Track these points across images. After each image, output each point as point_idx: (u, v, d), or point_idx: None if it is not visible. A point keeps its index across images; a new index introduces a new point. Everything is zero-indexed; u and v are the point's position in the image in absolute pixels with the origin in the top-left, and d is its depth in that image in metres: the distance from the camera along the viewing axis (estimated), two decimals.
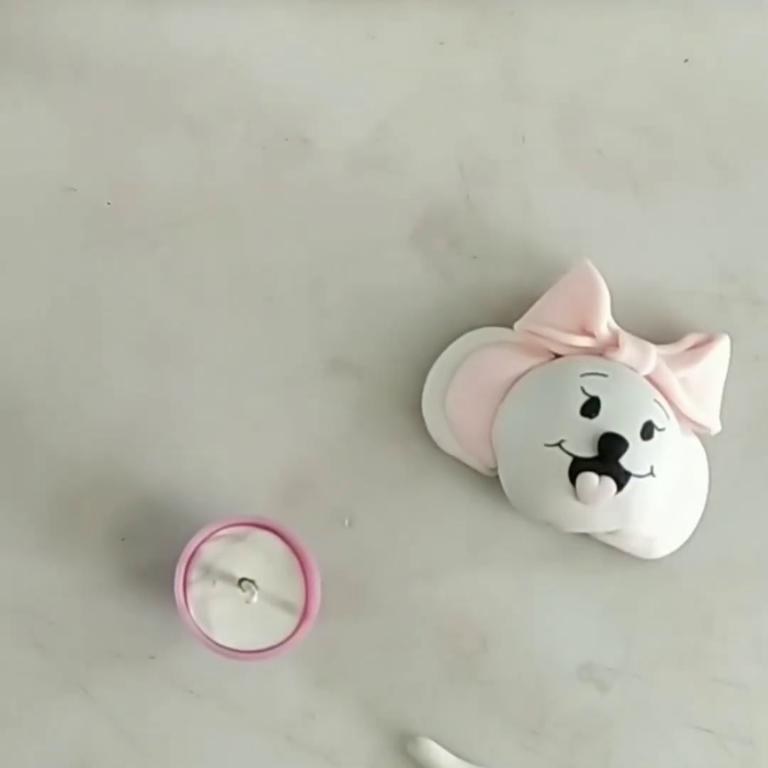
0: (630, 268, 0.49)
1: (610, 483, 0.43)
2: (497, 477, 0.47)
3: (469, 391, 0.47)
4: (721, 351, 0.47)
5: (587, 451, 0.44)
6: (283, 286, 0.49)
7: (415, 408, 0.48)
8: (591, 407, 0.44)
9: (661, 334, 0.48)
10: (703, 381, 0.47)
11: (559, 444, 0.44)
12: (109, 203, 0.49)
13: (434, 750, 0.47)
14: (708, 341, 0.47)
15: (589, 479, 0.43)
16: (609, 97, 0.50)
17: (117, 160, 0.50)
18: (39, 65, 0.50)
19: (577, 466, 0.44)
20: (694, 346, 0.47)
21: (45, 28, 0.50)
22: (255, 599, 0.43)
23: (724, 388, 0.47)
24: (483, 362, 0.47)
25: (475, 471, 0.48)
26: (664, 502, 0.45)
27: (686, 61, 0.50)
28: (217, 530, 0.43)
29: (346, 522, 0.48)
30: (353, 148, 0.50)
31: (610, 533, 0.46)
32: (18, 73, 0.50)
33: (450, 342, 0.48)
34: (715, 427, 0.47)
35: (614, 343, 0.46)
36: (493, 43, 0.50)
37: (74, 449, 0.48)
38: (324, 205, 0.50)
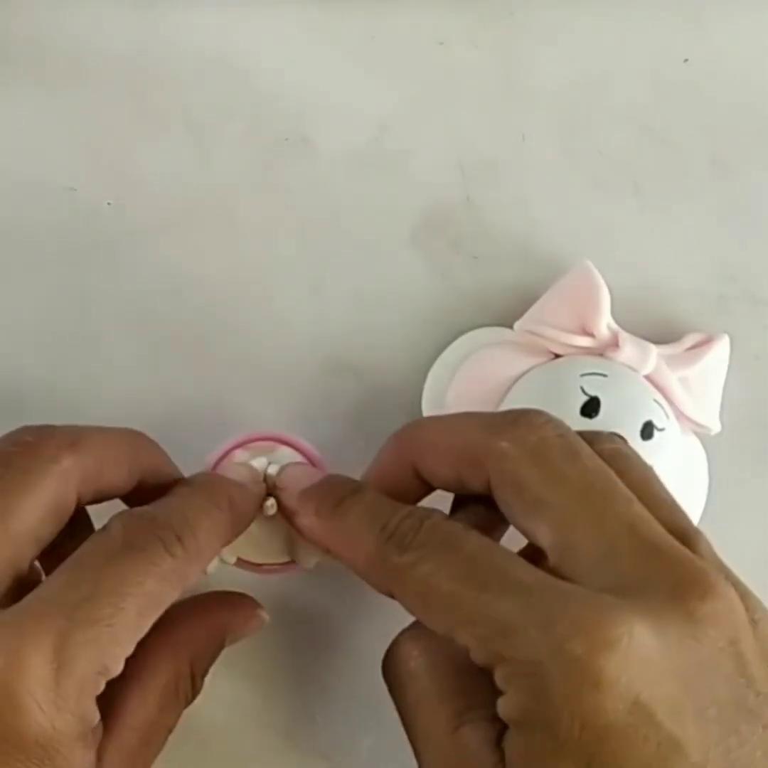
0: (630, 268, 0.49)
1: None
2: None
3: (469, 391, 0.47)
4: (721, 351, 0.47)
5: None
6: (283, 286, 0.49)
7: (415, 408, 0.48)
8: (591, 407, 0.44)
9: (661, 334, 0.48)
10: (703, 381, 0.47)
11: None
12: (109, 203, 0.49)
13: None
14: (708, 341, 0.47)
15: None
16: (609, 97, 0.50)
17: (117, 160, 0.49)
18: (39, 65, 0.50)
19: None
20: (694, 346, 0.47)
21: (45, 27, 0.50)
22: (272, 511, 0.43)
23: (724, 388, 0.47)
24: (483, 362, 0.47)
25: None
26: None
27: (686, 61, 0.50)
28: (236, 447, 0.44)
29: None
30: (353, 148, 0.50)
31: None
32: (18, 73, 0.50)
33: (450, 342, 0.48)
34: (715, 427, 0.47)
35: (614, 343, 0.46)
36: (493, 43, 0.50)
37: None
38: (324, 205, 0.50)
